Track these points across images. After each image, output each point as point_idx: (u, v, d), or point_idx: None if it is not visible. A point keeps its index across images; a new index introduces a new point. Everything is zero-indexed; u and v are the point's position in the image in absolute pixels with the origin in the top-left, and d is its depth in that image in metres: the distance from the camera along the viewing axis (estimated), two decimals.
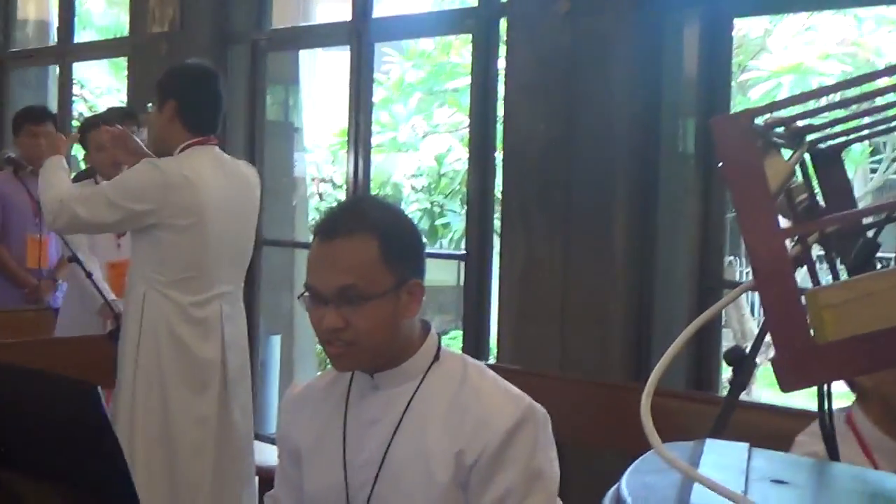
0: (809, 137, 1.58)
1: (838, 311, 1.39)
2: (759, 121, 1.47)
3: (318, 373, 8.21)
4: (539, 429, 2.70)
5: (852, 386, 3.06)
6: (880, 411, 3.03)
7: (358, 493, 2.76)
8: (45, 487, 2.02)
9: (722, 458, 1.68)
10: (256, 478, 5.33)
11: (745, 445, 1.80)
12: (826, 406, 2.14)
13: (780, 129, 1.54)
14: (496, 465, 2.65)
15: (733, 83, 7.06)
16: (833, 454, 2.34)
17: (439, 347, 2.83)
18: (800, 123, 1.55)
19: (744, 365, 2.46)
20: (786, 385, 1.42)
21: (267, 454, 6.16)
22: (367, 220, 2.71)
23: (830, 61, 11.32)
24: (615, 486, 1.60)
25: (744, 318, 11.72)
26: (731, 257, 12.91)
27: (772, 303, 1.39)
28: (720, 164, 1.43)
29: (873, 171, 13.31)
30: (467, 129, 7.00)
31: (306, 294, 2.75)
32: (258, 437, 6.79)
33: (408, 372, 2.77)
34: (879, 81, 1.53)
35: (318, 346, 8.83)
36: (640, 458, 1.68)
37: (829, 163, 1.68)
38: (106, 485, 1.97)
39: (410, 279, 2.72)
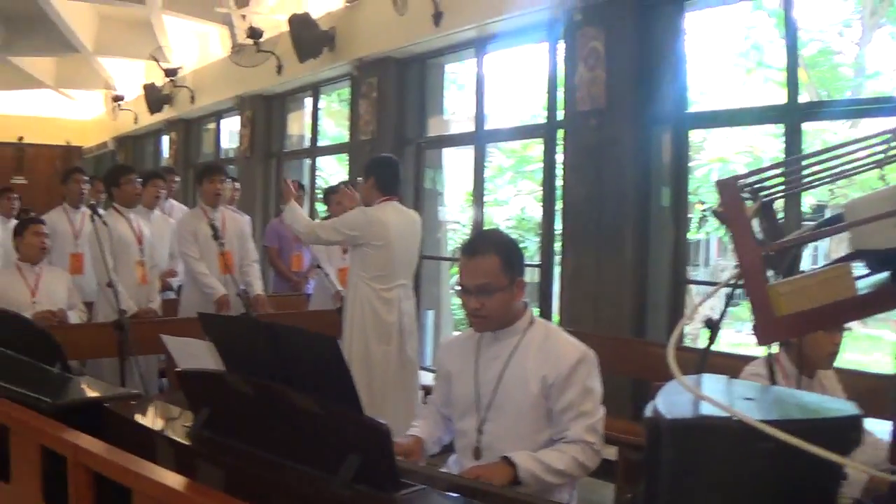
0: (762, 193, 1.58)
1: (787, 297, 1.43)
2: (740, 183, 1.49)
3: (454, 332, 8.32)
4: (591, 364, 2.69)
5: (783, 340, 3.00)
6: (796, 355, 3.04)
7: (483, 398, 2.73)
8: (306, 395, 1.99)
9: (712, 385, 1.69)
10: (420, 391, 5.29)
11: (724, 377, 1.81)
12: (770, 352, 2.21)
13: (748, 188, 1.55)
14: (565, 384, 2.64)
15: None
16: (773, 381, 2.47)
17: (532, 317, 2.81)
18: (755, 185, 1.57)
19: (714, 328, 2.45)
20: (761, 341, 1.48)
21: (426, 377, 6.19)
22: (492, 243, 2.73)
23: (740, 156, 11.19)
24: (651, 402, 1.59)
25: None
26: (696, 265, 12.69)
27: (751, 291, 1.44)
28: (719, 206, 1.48)
29: None
30: (539, 192, 6.95)
31: (458, 288, 2.76)
32: (422, 367, 6.97)
33: (514, 330, 2.76)
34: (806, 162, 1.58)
35: (455, 316, 8.89)
36: (665, 386, 1.66)
37: (768, 207, 1.65)
38: (339, 391, 1.96)
39: (518, 278, 2.73)
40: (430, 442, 2.89)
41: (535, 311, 2.87)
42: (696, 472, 1.50)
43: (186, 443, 2.33)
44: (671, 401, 1.59)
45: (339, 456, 1.90)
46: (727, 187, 1.48)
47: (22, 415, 2.55)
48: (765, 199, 1.60)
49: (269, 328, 2.13)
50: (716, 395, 1.56)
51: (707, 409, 1.51)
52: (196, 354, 2.78)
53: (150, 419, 2.66)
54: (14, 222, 6.48)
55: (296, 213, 5.14)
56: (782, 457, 1.43)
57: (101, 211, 5.23)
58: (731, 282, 1.58)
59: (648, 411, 1.59)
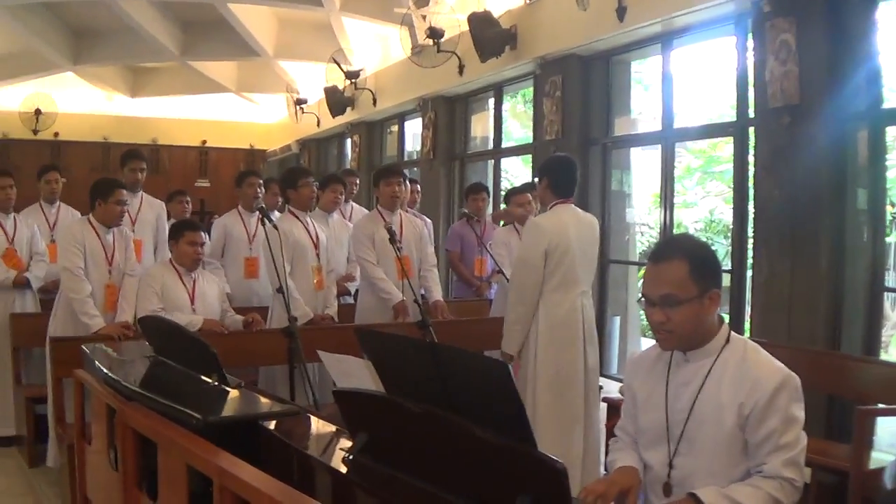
0: None
1: None
2: None
3: (641, 338, 8.30)
4: (793, 390, 2.51)
5: None
6: None
7: (674, 428, 2.61)
8: (471, 421, 1.96)
9: None
10: (602, 402, 5.21)
11: None
12: None
13: None
14: (764, 413, 2.48)
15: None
16: None
17: (729, 333, 2.63)
18: None
19: None
20: None
21: (611, 386, 6.26)
22: (680, 248, 2.57)
23: None
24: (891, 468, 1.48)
25: None
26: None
27: None
28: None
29: None
30: (729, 194, 6.83)
31: (642, 299, 2.62)
32: (606, 375, 6.90)
33: (708, 351, 2.60)
34: None
35: (643, 321, 8.93)
36: None
37: None
38: (509, 421, 1.93)
39: (711, 289, 2.54)
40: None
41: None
42: None
43: (342, 470, 2.30)
44: None
45: (509, 495, 1.85)
46: None
47: (169, 431, 2.56)
48: None
49: (433, 349, 2.12)
50: None
51: None
52: (354, 373, 2.76)
53: (305, 439, 2.66)
54: None
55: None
56: None
57: (273, 215, 5.33)
58: None
59: (889, 481, 1.58)
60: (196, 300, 5.39)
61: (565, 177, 5.08)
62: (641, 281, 2.71)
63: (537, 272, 4.94)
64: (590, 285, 5.20)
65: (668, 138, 7.42)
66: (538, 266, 4.93)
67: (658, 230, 7.65)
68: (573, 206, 5.15)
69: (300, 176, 6.02)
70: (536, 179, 5.32)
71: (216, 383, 3.09)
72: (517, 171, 12.36)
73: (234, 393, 2.99)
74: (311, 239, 5.93)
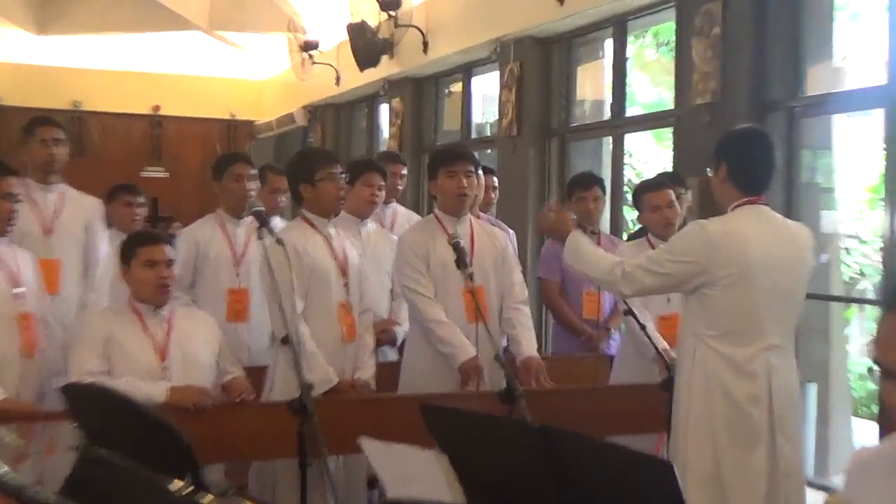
0: None
1: None
2: None
3: (851, 418, 8.19)
4: None
5: None
6: None
7: None
8: None
9: None
10: None
11: None
12: None
13: None
14: None
15: None
16: None
17: None
18: None
19: None
20: None
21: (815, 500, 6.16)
22: None
23: None
24: None
25: None
26: None
27: None
28: None
29: None
30: None
31: (874, 364, 2.43)
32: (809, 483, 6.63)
33: None
34: None
35: (854, 393, 8.80)
36: None
37: None
38: None
39: None
40: None
41: None
42: None
43: None
44: None
45: None
46: None
47: None
48: None
49: (547, 435, 2.15)
50: None
51: None
52: (415, 472, 2.79)
53: None
54: None
55: (581, 248, 5.31)
56: None
57: (273, 222, 5.46)
58: None
59: None
60: (170, 355, 5.45)
61: (756, 161, 5.13)
62: (872, 334, 2.51)
63: (651, 279, 5.08)
64: (788, 336, 5.16)
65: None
66: (662, 272, 5.06)
67: (880, 245, 7.59)
68: (767, 208, 5.19)
69: (320, 163, 5.99)
70: (709, 169, 5.30)
71: (188, 490, 3.03)
72: (649, 153, 12.42)
73: None
74: (336, 260, 5.96)
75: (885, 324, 2.40)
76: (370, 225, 6.95)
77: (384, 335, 6.69)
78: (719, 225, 5.05)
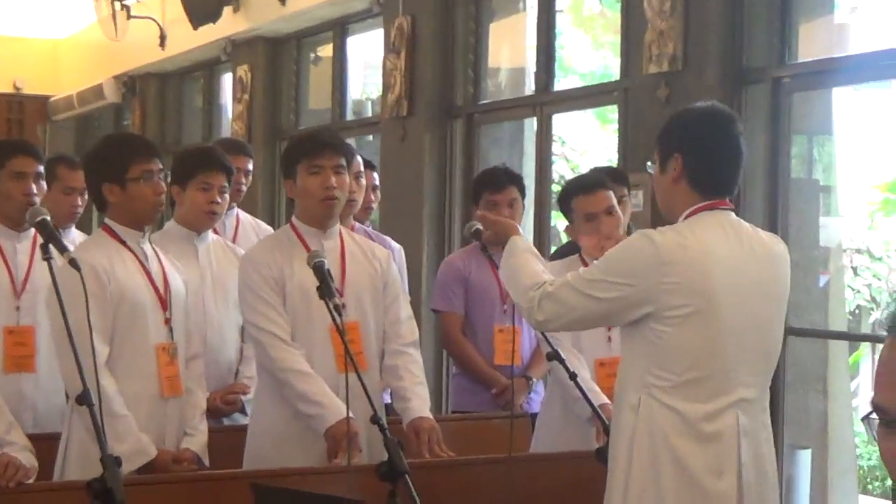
0: None
1: None
2: None
3: (859, 495, 8.21)
4: None
5: None
6: None
7: None
8: None
9: None
10: None
11: None
12: None
13: None
14: None
15: None
16: None
17: None
18: None
19: None
20: None
21: None
22: None
23: None
24: None
25: None
26: None
27: None
28: None
29: None
30: None
31: (872, 416, 2.42)
32: None
33: None
34: None
35: (861, 461, 8.96)
36: None
37: None
38: None
39: None
40: None
41: None
42: None
43: None
44: None
45: None
46: None
47: None
48: None
49: None
50: None
51: None
52: None
53: None
54: None
55: (513, 257, 5.43)
56: None
57: (69, 234, 5.55)
58: None
59: None
60: None
61: (718, 153, 5.16)
62: (873, 377, 2.51)
63: (584, 302, 5.08)
64: (762, 388, 5.23)
65: None
66: (595, 296, 5.05)
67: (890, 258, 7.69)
68: (733, 215, 5.26)
69: (133, 154, 6.00)
70: (650, 163, 5.33)
71: None
72: (586, 139, 12.60)
73: None
74: (154, 287, 6.02)
75: (888, 352, 2.41)
76: (211, 238, 7.03)
77: (228, 406, 6.83)
78: (672, 237, 5.04)
